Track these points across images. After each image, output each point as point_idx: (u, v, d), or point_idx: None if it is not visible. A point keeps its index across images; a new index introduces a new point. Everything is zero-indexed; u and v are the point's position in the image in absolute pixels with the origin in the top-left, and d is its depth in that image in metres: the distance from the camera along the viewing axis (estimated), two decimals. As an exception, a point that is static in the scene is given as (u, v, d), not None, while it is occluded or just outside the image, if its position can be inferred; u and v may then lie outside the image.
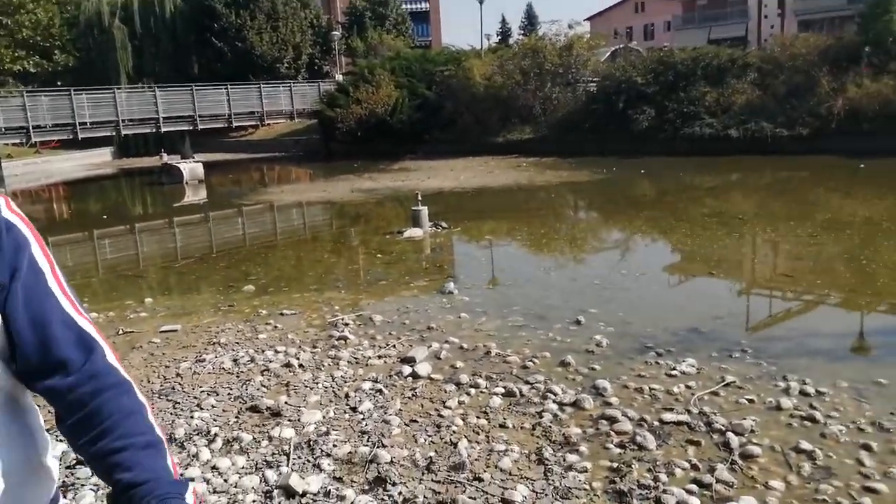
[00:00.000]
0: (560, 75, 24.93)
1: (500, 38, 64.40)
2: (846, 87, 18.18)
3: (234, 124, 30.53)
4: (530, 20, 65.97)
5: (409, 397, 4.51)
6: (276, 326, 6.22)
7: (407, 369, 4.94)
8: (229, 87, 29.64)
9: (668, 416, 4.08)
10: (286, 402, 4.43)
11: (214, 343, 5.80)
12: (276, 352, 5.46)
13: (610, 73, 23.73)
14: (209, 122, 29.06)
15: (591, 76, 24.99)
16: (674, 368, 4.83)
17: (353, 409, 4.31)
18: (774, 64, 20.29)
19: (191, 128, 27.79)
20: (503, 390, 4.54)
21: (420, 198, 10.98)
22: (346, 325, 6.17)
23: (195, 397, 4.61)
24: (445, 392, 4.57)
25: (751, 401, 4.29)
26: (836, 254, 8.51)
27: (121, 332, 6.26)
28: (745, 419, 3.99)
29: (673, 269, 8.64)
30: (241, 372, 5.07)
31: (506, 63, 25.81)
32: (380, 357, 5.28)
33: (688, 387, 4.52)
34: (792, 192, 14.11)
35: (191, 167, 21.78)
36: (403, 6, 48.13)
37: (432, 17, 56.75)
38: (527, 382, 4.68)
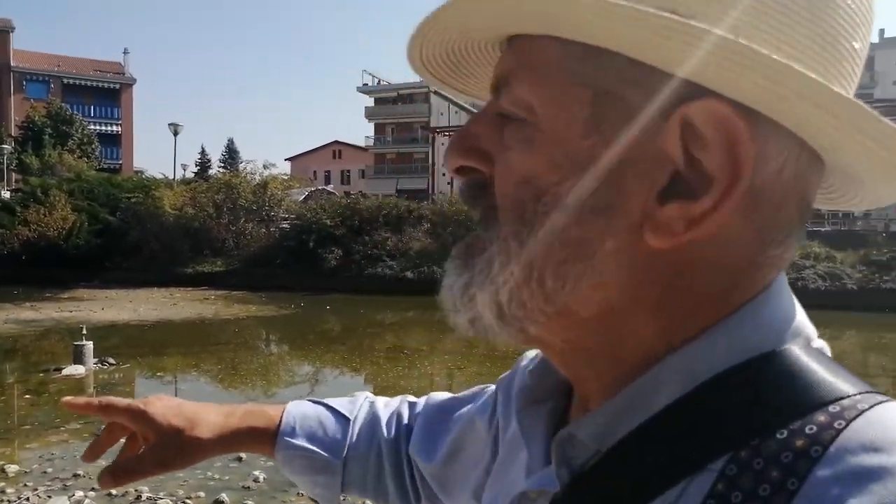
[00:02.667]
0: (254, 212, 25.52)
1: (198, 168, 63.74)
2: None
3: None
4: (231, 154, 66.61)
5: (37, 553, 4.19)
6: None
7: (39, 522, 4.58)
8: None
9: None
10: None
11: None
12: None
13: (302, 213, 25.01)
14: None
15: (285, 214, 25.99)
16: (322, 497, 5.19)
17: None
18: (443, 217, 23.29)
19: None
20: (148, 535, 4.46)
21: (85, 331, 10.25)
22: (-30, 478, 5.49)
23: None
24: (82, 543, 4.34)
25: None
26: (483, 383, 9.85)
27: None
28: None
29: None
30: None
31: (199, 196, 25.73)
32: (8, 512, 4.81)
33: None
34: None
35: None
36: (91, 127, 45.57)
37: (124, 140, 54.39)
38: (175, 524, 4.65)
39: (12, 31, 53.63)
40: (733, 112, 0.39)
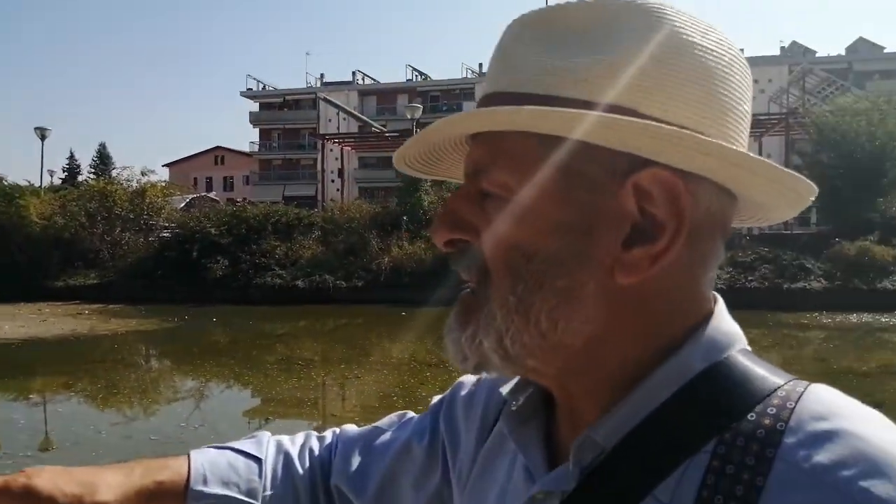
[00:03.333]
0: (131, 220, 24.24)
1: (66, 174, 59.79)
2: (391, 247, 21.53)
3: None
4: (103, 160, 62.92)
5: None
6: None
7: None
8: None
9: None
10: None
11: None
12: None
13: (184, 221, 23.98)
14: None
15: (165, 223, 24.84)
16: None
17: None
18: (335, 224, 23.04)
19: None
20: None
21: (-57, 353, 9.38)
22: None
23: None
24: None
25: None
26: (377, 392, 9.84)
27: None
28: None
29: (249, 413, 8.94)
30: None
31: (69, 204, 24.15)
32: None
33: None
34: (349, 338, 15.84)
35: None
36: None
37: (-19, 144, 50.16)
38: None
39: None
40: (672, 175, 0.51)
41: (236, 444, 0.80)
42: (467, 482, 0.68)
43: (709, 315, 0.55)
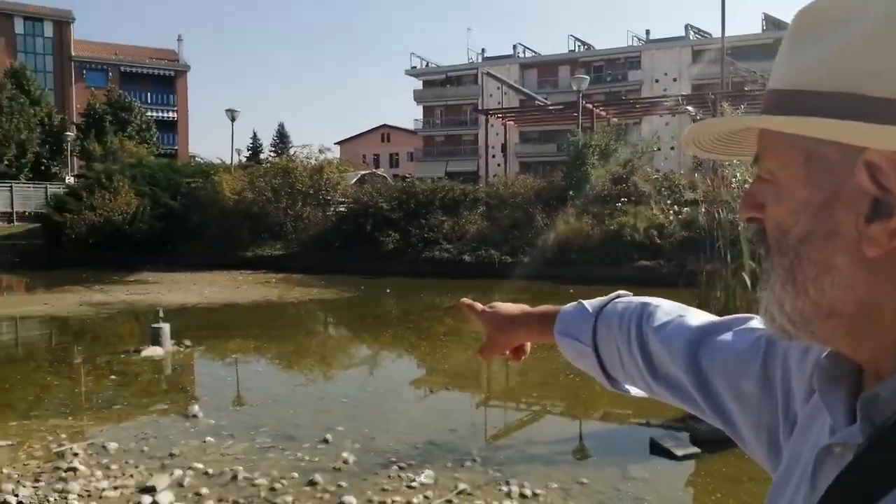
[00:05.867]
0: (311, 195, 25.79)
1: (250, 153, 64.81)
2: (556, 223, 21.27)
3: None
4: (282, 138, 67.49)
5: (148, 530, 4.30)
6: (-15, 461, 5.52)
7: (147, 499, 4.72)
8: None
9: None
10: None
11: None
12: (-13, 490, 4.86)
13: (358, 197, 25.12)
14: None
15: (341, 198, 26.19)
16: (413, 480, 5.21)
17: (85, 548, 4.01)
18: (499, 199, 23.12)
19: None
20: (251, 514, 4.54)
21: (162, 314, 10.52)
22: (76, 454, 5.67)
23: None
24: (189, 521, 4.44)
25: (480, 506, 4.79)
26: (553, 370, 9.79)
27: None
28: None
29: (417, 383, 9.26)
30: (-59, 517, 4.43)
31: (256, 180, 26.11)
32: (116, 488, 4.96)
33: (426, 497, 4.91)
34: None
35: None
36: (149, 114, 46.62)
37: (180, 126, 55.58)
38: (275, 504, 4.73)
39: (73, 23, 55.17)
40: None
41: (586, 302, 1.06)
42: (792, 430, 0.73)
43: None
